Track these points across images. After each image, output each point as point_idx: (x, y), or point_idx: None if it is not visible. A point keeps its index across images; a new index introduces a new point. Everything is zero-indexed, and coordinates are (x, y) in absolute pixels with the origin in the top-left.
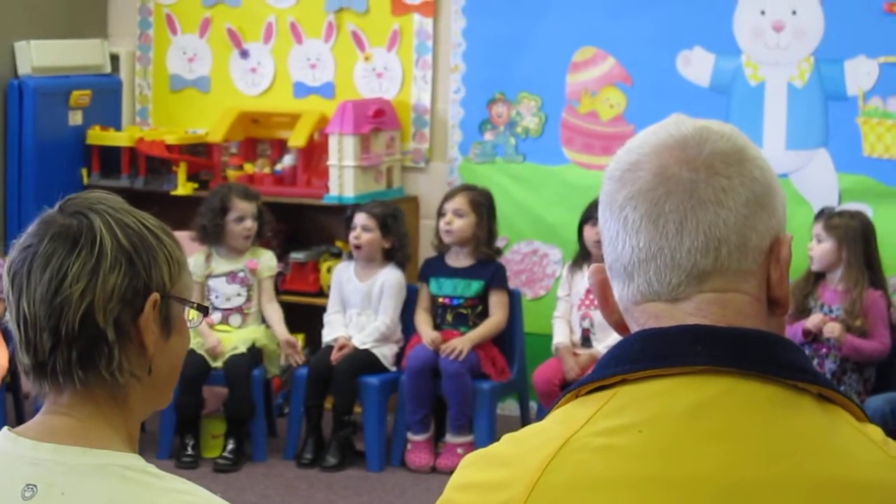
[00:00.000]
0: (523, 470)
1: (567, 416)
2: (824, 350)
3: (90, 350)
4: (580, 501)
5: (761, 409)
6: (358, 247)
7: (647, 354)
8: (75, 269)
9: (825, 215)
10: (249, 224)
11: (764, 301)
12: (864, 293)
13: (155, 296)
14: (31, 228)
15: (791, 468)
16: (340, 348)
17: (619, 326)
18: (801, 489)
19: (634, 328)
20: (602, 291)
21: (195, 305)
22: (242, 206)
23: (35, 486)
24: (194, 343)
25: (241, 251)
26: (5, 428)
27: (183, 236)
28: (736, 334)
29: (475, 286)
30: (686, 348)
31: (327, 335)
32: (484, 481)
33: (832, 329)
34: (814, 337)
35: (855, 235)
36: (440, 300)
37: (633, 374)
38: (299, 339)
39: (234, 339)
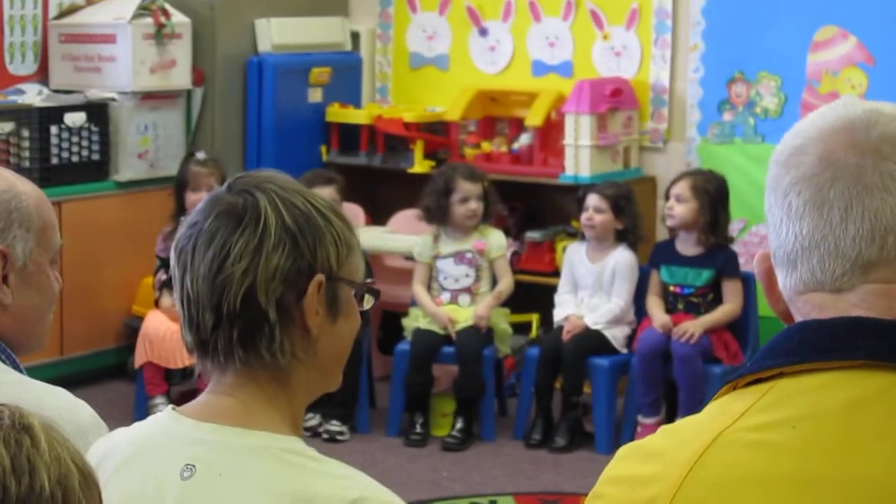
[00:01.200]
0: (673, 464)
1: (722, 410)
2: None
3: (251, 330)
4: (729, 499)
5: None
6: (590, 228)
7: (805, 347)
8: (238, 247)
9: None
10: (474, 205)
11: None
12: None
13: (320, 277)
14: (199, 206)
15: None
16: (572, 327)
17: (785, 316)
18: None
19: (798, 319)
20: (767, 280)
21: (365, 288)
22: (466, 187)
23: (194, 466)
24: (423, 321)
25: (466, 232)
26: (170, 406)
27: (412, 214)
28: None
29: (705, 275)
30: (845, 341)
31: (558, 315)
32: (634, 475)
33: None
34: None
35: None
36: (671, 288)
37: (790, 368)
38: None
39: (466, 314)
